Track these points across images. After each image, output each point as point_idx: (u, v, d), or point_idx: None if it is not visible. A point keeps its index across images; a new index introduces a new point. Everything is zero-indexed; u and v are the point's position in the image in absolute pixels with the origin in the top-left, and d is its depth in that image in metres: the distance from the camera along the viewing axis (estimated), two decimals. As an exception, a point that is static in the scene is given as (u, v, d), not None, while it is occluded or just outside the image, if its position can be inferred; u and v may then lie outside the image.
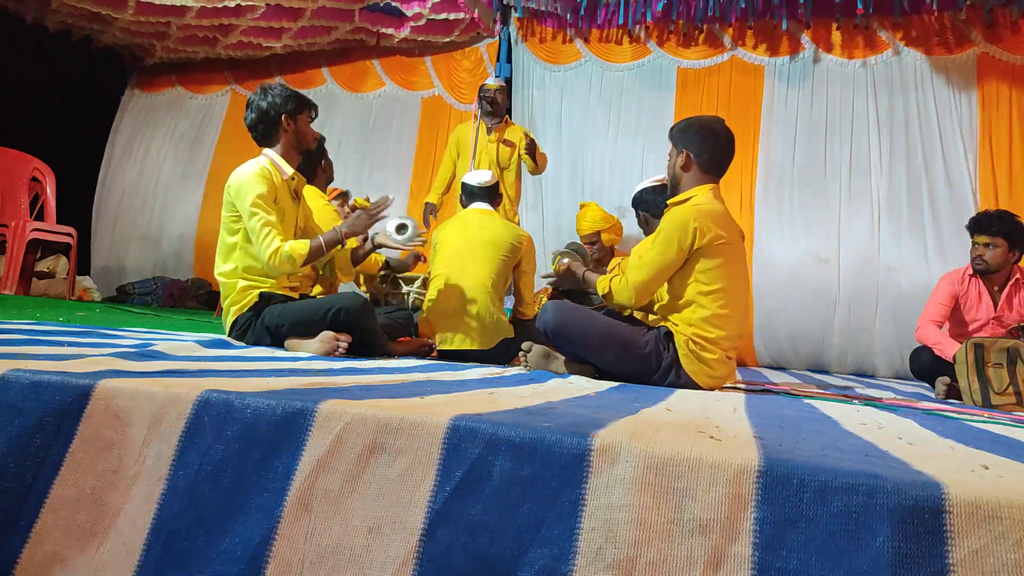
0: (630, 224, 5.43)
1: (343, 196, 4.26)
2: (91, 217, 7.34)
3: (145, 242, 7.32)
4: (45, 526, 1.03)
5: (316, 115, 2.75)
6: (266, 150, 2.65)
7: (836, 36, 5.42)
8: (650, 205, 3.38)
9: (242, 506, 0.99)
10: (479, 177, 3.19)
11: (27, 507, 1.04)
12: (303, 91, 2.92)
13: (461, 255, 2.97)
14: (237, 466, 1.02)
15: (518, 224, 4.60)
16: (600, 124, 5.96)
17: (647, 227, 3.46)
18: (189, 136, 7.39)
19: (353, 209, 2.79)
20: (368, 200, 2.79)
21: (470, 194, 3.18)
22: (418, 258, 3.72)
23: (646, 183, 3.56)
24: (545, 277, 2.74)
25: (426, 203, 4.72)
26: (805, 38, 5.47)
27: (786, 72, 5.54)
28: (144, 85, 7.67)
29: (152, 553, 0.99)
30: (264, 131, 2.63)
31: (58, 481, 1.05)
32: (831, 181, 5.40)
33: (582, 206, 4.26)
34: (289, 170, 2.62)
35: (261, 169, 2.52)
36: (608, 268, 4.06)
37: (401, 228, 2.79)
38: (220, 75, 7.35)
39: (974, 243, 3.26)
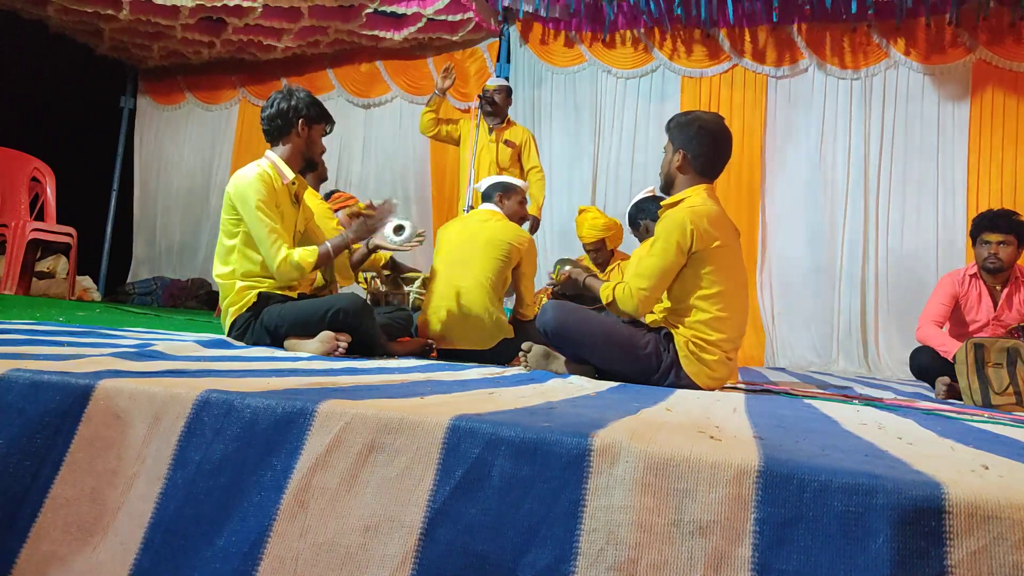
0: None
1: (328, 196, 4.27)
2: (93, 219, 7.39)
3: (180, 252, 7.47)
4: (44, 526, 1.03)
5: (331, 130, 2.76)
6: (269, 152, 2.64)
7: (836, 46, 5.44)
8: (650, 212, 3.44)
9: (239, 504, 0.99)
10: (488, 180, 3.27)
11: (27, 507, 1.04)
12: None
13: (460, 254, 2.98)
14: (236, 465, 1.02)
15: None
16: (602, 129, 5.96)
17: (647, 235, 3.51)
18: (207, 146, 7.51)
19: (356, 215, 2.80)
20: (370, 205, 2.79)
21: (483, 196, 3.26)
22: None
23: (639, 196, 3.65)
24: (549, 285, 2.75)
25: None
26: (807, 48, 5.48)
27: (786, 83, 5.56)
28: (157, 96, 7.73)
29: (148, 552, 0.99)
30: (278, 128, 2.62)
31: (58, 480, 1.05)
32: (830, 188, 5.44)
33: (581, 211, 4.25)
34: (291, 174, 2.62)
35: (261, 173, 2.51)
36: (608, 271, 4.06)
37: (399, 229, 2.80)
38: (228, 80, 7.39)
39: (985, 242, 3.22)
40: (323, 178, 3.43)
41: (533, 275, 3.18)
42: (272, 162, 2.60)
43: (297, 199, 2.68)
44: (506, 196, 3.16)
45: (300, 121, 2.61)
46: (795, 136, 5.54)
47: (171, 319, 4.16)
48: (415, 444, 0.98)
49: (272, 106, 2.61)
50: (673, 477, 0.89)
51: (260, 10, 5.87)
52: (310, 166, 2.74)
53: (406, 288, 3.58)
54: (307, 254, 2.50)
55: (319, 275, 3.03)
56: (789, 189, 5.52)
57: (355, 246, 2.85)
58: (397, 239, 2.77)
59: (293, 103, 2.60)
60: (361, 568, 0.92)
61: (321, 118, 2.68)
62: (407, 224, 2.81)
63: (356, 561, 0.93)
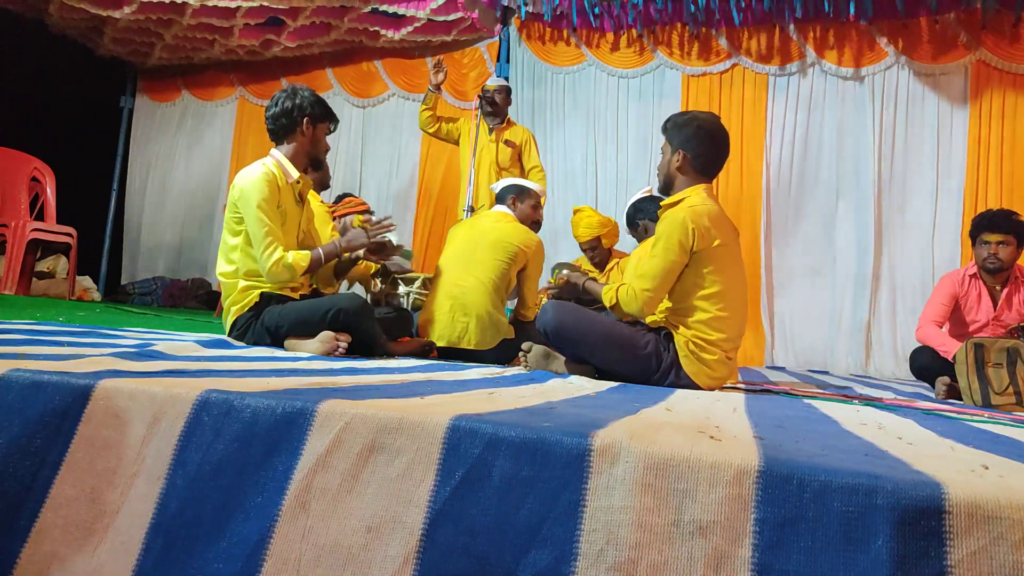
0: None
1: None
2: (93, 219, 7.38)
3: (176, 252, 7.45)
4: (44, 526, 1.02)
5: (334, 129, 2.77)
6: (273, 150, 2.65)
7: (837, 45, 5.44)
8: (649, 212, 3.45)
9: (241, 505, 0.99)
10: (504, 182, 3.31)
11: (27, 507, 1.03)
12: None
13: (466, 254, 2.99)
14: (236, 465, 1.02)
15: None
16: (603, 129, 5.96)
17: (646, 235, 3.52)
18: (204, 144, 7.48)
19: (349, 227, 2.81)
20: (367, 222, 2.80)
21: (496, 198, 3.29)
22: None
23: (637, 196, 3.67)
24: (548, 289, 2.76)
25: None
26: (807, 47, 5.48)
27: (785, 82, 5.57)
28: (153, 93, 7.72)
29: (151, 552, 0.99)
30: (282, 127, 2.62)
31: (58, 481, 1.05)
32: (830, 187, 5.45)
33: (576, 211, 4.25)
34: (295, 173, 2.62)
35: (266, 172, 2.52)
36: (607, 270, 4.06)
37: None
38: (226, 79, 7.38)
39: (984, 242, 3.22)
40: (326, 184, 3.38)
41: (538, 278, 3.19)
42: (277, 160, 2.61)
43: (301, 198, 2.69)
44: (519, 199, 3.17)
45: (305, 120, 2.62)
46: (795, 135, 5.53)
47: (171, 319, 4.16)
48: (415, 444, 0.98)
49: (276, 105, 2.62)
50: (673, 477, 0.89)
51: (260, 9, 5.87)
52: (315, 165, 2.75)
53: (405, 288, 3.59)
54: (300, 258, 2.51)
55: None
56: (790, 188, 5.52)
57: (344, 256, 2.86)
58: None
59: (298, 102, 2.60)
60: (363, 569, 0.92)
61: (325, 117, 2.68)
62: (394, 238, 2.82)
63: (358, 562, 0.93)
